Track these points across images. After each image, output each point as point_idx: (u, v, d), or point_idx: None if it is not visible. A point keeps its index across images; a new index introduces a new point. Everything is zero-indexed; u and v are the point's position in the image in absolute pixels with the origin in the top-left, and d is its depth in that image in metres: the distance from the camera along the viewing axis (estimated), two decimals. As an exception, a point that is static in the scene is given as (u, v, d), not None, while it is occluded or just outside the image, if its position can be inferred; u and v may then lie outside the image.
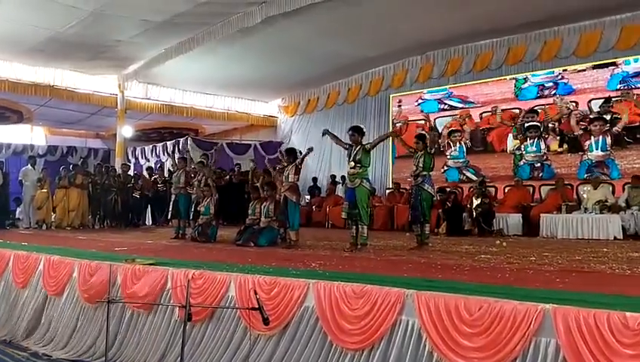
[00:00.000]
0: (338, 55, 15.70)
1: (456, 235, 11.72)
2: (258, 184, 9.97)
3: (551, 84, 14.26)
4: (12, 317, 7.33)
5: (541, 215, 11.83)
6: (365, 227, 8.09)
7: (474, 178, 14.99)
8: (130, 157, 19.58)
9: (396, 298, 4.13)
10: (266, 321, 3.75)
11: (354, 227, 8.18)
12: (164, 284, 5.71)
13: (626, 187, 12.10)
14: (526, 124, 14.52)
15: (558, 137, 14.05)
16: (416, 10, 12.67)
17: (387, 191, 16.40)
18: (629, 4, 12.31)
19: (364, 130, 8.33)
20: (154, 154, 19.07)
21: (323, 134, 8.77)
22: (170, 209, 11.29)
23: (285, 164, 9.12)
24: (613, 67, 13.31)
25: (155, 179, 16.31)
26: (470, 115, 15.65)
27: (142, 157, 19.71)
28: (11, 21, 12.04)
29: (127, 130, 18.01)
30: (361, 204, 7.97)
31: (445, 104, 16.27)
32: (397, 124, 16.61)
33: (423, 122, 16.14)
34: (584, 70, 13.73)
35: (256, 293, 4.05)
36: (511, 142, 14.85)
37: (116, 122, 17.73)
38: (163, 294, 5.71)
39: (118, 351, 5.89)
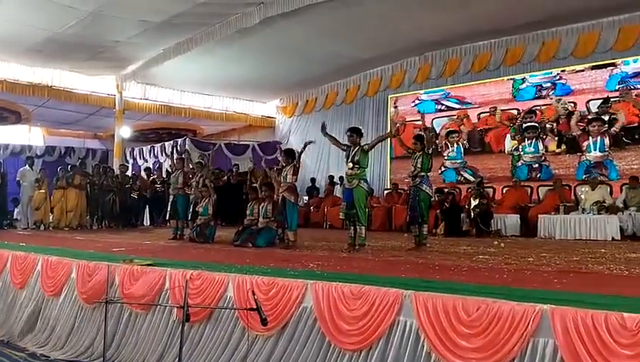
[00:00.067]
0: (336, 56, 15.70)
1: (454, 236, 11.72)
2: (257, 184, 9.97)
3: (549, 84, 14.24)
4: (10, 317, 7.33)
5: (539, 216, 11.83)
6: (363, 228, 8.10)
7: (471, 179, 14.97)
8: (128, 157, 19.55)
9: (394, 298, 4.13)
10: (264, 322, 3.75)
11: (352, 228, 8.19)
12: (162, 285, 5.71)
13: (623, 188, 12.11)
14: (524, 125, 14.51)
15: (557, 138, 14.03)
16: (414, 11, 12.67)
17: (385, 191, 16.40)
18: (627, 5, 12.32)
19: (363, 131, 8.34)
20: (152, 154, 19.05)
21: (322, 128, 8.73)
22: (169, 209, 11.30)
23: (284, 165, 9.13)
24: (612, 67, 13.29)
25: (153, 179, 16.31)
26: (468, 116, 15.65)
27: (140, 158, 19.69)
28: (9, 21, 12.03)
29: (125, 131, 18.01)
30: (358, 205, 7.98)
31: (442, 105, 16.27)
32: (396, 124, 16.59)
33: (420, 122, 16.19)
34: (582, 70, 13.71)
35: (254, 294, 4.05)
36: (509, 143, 14.83)
37: (114, 123, 17.71)
38: (161, 294, 5.71)
39: (116, 352, 5.89)
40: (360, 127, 8.46)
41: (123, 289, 6.03)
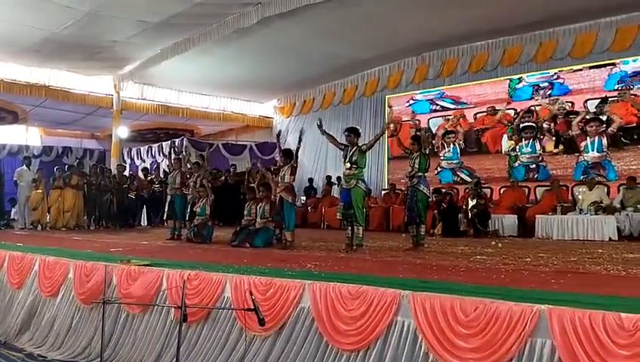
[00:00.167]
0: (334, 56, 15.69)
1: (452, 236, 11.71)
2: (254, 184, 9.97)
3: (546, 84, 14.19)
4: (7, 317, 7.32)
5: (536, 216, 11.84)
6: (361, 228, 8.11)
7: (468, 179, 14.98)
8: (125, 157, 19.56)
9: (392, 299, 4.13)
10: (261, 322, 3.75)
11: (349, 228, 8.20)
12: (159, 285, 5.71)
13: (620, 188, 12.10)
14: (521, 125, 14.49)
15: (554, 138, 14.00)
16: (411, 12, 12.66)
17: (383, 192, 16.38)
18: (624, 5, 12.33)
19: (360, 131, 8.35)
20: (149, 154, 19.04)
21: (319, 126, 8.72)
22: (166, 210, 11.28)
23: (281, 165, 9.12)
24: (611, 67, 13.23)
25: (151, 179, 16.30)
26: (464, 116, 15.64)
27: (137, 158, 19.67)
28: (6, 21, 12.00)
29: (122, 131, 17.99)
30: (356, 205, 7.99)
31: (437, 105, 16.26)
32: (393, 124, 16.58)
33: (418, 122, 16.23)
34: (581, 70, 13.65)
35: (251, 294, 4.05)
36: (505, 143, 14.81)
37: (112, 123, 17.68)
38: (159, 295, 5.71)
39: (114, 352, 5.89)
40: (358, 127, 8.47)
41: (121, 290, 6.02)
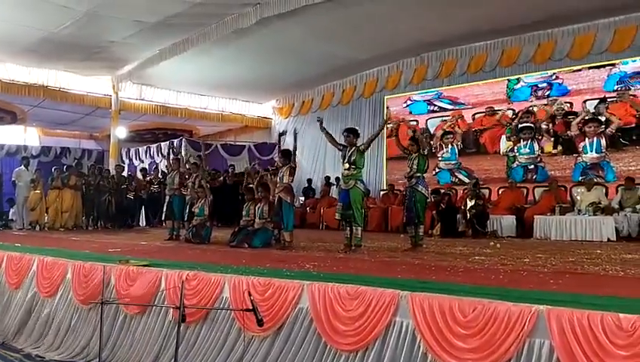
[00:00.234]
0: (333, 56, 15.70)
1: (451, 237, 11.71)
2: (253, 185, 9.96)
3: (545, 84, 14.18)
4: (5, 318, 7.31)
5: (535, 216, 11.84)
6: (359, 228, 8.11)
7: (466, 180, 14.97)
8: (124, 158, 19.56)
9: (390, 299, 4.13)
10: (260, 322, 3.74)
11: (348, 228, 8.21)
12: (158, 285, 5.70)
13: (619, 189, 12.09)
14: (519, 125, 14.47)
15: (552, 139, 13.99)
16: (410, 12, 12.68)
17: (381, 192, 16.39)
18: (623, 6, 12.34)
19: (359, 131, 8.36)
20: (148, 155, 19.03)
21: (319, 122, 8.71)
22: (165, 210, 11.26)
23: (280, 165, 9.12)
24: (610, 67, 13.19)
25: (149, 180, 16.28)
26: (462, 116, 15.64)
27: (136, 159, 19.66)
28: (4, 21, 11.99)
29: (121, 131, 17.97)
30: (355, 206, 7.99)
31: (435, 105, 16.26)
32: (389, 125, 16.58)
33: (415, 123, 16.22)
34: (580, 70, 13.62)
35: (250, 294, 4.04)
36: (504, 144, 14.81)
37: (110, 123, 17.69)
38: (157, 295, 5.70)
39: (112, 353, 5.88)
40: (356, 128, 8.48)
41: (119, 290, 6.02)
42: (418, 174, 8.39)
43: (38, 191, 14.30)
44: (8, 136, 20.02)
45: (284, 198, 8.71)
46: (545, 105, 14.10)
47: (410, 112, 16.62)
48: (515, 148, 14.55)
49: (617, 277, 5.53)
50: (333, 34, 13.92)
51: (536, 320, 3.48)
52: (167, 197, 11.11)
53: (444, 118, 16.00)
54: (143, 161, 19.15)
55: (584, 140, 13.44)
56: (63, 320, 6.55)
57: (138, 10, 11.91)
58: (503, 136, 14.82)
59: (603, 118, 13.20)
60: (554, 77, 14.05)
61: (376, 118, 17.50)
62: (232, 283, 5.15)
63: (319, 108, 19.00)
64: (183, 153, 15.22)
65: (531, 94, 14.38)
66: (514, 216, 12.40)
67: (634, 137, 12.80)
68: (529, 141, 14.31)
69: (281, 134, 9.47)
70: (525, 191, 13.62)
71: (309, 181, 18.18)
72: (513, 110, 14.67)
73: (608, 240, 10.61)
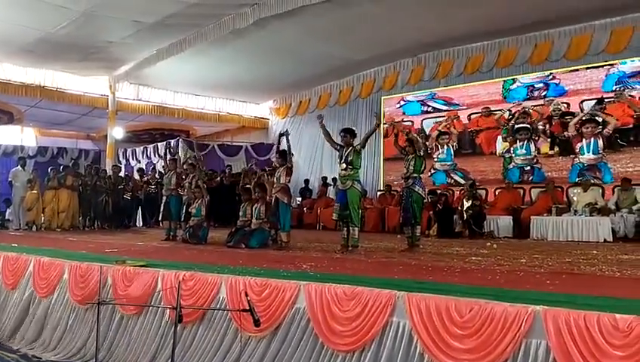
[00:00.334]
0: (330, 57, 15.71)
1: (447, 237, 11.73)
2: (251, 185, 9.96)
3: (541, 85, 14.16)
4: (1, 318, 7.29)
5: (531, 217, 11.86)
6: (356, 229, 8.11)
7: (462, 181, 14.95)
8: (121, 158, 19.53)
9: (387, 299, 4.13)
10: (256, 323, 3.75)
11: (345, 229, 8.21)
12: (154, 286, 5.70)
13: (615, 190, 12.09)
14: (516, 126, 14.44)
15: (549, 139, 13.96)
16: (407, 13, 12.69)
17: (378, 193, 16.39)
18: (619, 7, 12.37)
19: (356, 131, 8.36)
20: (145, 155, 19.01)
21: (319, 120, 8.71)
22: (161, 210, 11.26)
23: (277, 166, 9.12)
24: (608, 67, 13.17)
25: (146, 180, 16.27)
26: (458, 117, 15.63)
27: (133, 159, 19.65)
28: (1, 21, 11.96)
29: (117, 132, 17.95)
30: (352, 206, 7.99)
31: (429, 106, 16.26)
32: (385, 124, 16.59)
33: (410, 123, 16.22)
34: (577, 70, 13.61)
35: (247, 295, 4.04)
36: (500, 145, 14.79)
37: (107, 123, 17.65)
38: (154, 296, 5.70)
39: (109, 353, 5.87)
40: (353, 128, 8.48)
41: (116, 291, 6.01)
42: (415, 175, 8.39)
43: (35, 192, 14.27)
44: (5, 136, 19.94)
45: (281, 199, 8.71)
46: (541, 105, 14.10)
47: (404, 113, 16.63)
48: (512, 149, 14.53)
49: (614, 278, 5.54)
50: (331, 34, 13.92)
51: (532, 321, 3.49)
52: (164, 198, 11.10)
53: (438, 119, 15.99)
54: (139, 162, 19.14)
55: (581, 141, 13.39)
56: (59, 321, 6.54)
57: (135, 11, 11.89)
58: (499, 137, 14.79)
59: (600, 119, 13.17)
60: (550, 77, 14.02)
61: (373, 118, 17.47)
62: (228, 284, 5.14)
63: (316, 108, 18.98)
64: (181, 153, 15.20)
65: (527, 94, 14.36)
66: (510, 217, 12.41)
67: (631, 138, 12.77)
68: (525, 142, 14.29)
69: (281, 135, 9.45)
70: (522, 191, 13.63)
71: (306, 181, 18.19)
72: (510, 111, 14.62)
73: (605, 240, 10.63)
